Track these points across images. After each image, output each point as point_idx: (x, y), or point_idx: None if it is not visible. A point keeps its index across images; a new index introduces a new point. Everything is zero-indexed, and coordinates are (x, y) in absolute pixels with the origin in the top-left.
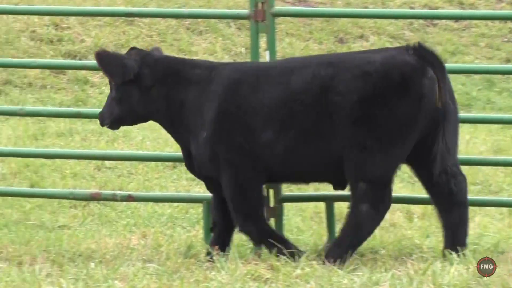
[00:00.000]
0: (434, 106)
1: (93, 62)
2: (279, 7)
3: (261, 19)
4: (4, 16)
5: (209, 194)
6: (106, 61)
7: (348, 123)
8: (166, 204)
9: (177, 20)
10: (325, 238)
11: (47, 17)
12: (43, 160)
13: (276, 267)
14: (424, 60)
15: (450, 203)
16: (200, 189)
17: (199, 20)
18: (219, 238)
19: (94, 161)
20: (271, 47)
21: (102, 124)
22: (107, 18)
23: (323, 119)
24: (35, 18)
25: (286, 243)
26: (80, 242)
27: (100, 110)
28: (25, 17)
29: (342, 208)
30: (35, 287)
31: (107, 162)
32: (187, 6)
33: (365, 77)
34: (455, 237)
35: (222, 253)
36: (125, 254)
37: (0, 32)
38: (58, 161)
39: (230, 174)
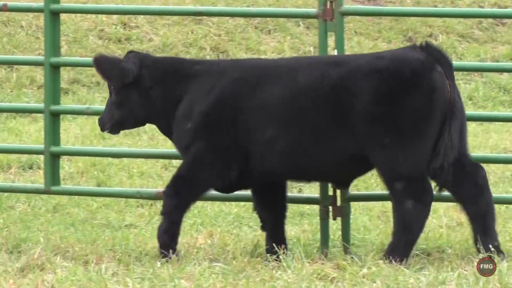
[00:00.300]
0: (447, 99)
1: None
2: (347, 6)
3: (329, 18)
4: (73, 15)
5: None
6: (104, 66)
7: (363, 122)
8: (233, 203)
9: (245, 19)
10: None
11: (115, 16)
12: (110, 159)
13: (343, 266)
14: (432, 56)
15: (474, 193)
16: None
17: (268, 19)
18: (273, 235)
19: (161, 160)
20: (340, 46)
21: (102, 129)
22: (175, 17)
23: (333, 119)
24: (103, 17)
25: (169, 245)
26: (147, 241)
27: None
28: (93, 16)
29: None
30: (101, 286)
31: (174, 161)
32: (255, 5)
33: (376, 74)
34: (487, 226)
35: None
36: (191, 253)
37: (68, 31)
38: (125, 160)
39: (191, 161)
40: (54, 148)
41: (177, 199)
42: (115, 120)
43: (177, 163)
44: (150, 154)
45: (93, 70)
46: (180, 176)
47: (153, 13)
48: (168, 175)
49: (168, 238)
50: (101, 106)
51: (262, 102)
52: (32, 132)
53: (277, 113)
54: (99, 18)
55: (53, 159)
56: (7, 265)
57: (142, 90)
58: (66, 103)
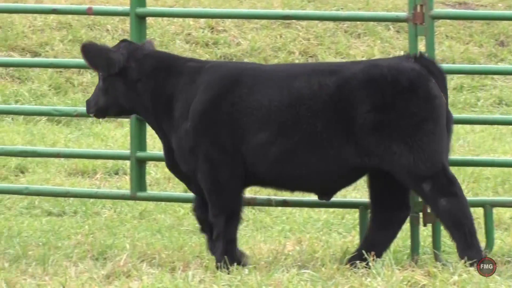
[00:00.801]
0: (445, 109)
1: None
2: (438, 9)
3: (420, 21)
4: (159, 19)
5: (365, 200)
6: (91, 54)
7: (365, 132)
8: (322, 209)
9: (335, 23)
10: (483, 244)
11: (202, 20)
12: None
13: (433, 274)
14: (426, 68)
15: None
16: (357, 194)
17: (357, 23)
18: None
19: None
20: (430, 50)
21: (88, 112)
22: (263, 21)
23: (335, 127)
24: (191, 21)
25: (230, 257)
26: None
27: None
28: (180, 19)
29: (500, 214)
30: None
31: None
32: (345, 8)
33: (373, 83)
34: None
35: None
36: (279, 260)
37: (155, 34)
38: None
39: (207, 168)
40: (140, 154)
41: (222, 212)
42: (99, 106)
43: None
44: None
45: None
46: (209, 190)
47: (241, 16)
48: None
49: (228, 260)
50: None
51: (255, 105)
52: (118, 138)
53: (270, 118)
54: (186, 22)
55: (139, 165)
56: (93, 272)
57: (128, 81)
58: None
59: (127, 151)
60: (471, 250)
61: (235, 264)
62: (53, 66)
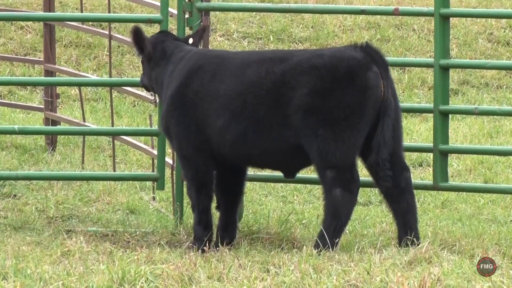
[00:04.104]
0: (380, 99)
1: None
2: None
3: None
4: (463, 19)
5: None
6: (138, 39)
7: (300, 115)
8: None
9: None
10: None
11: (504, 20)
12: (497, 157)
13: None
14: (370, 57)
15: (395, 193)
16: None
17: None
18: (223, 218)
19: None
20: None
21: (139, 85)
22: None
23: (275, 111)
24: (493, 21)
25: (205, 229)
26: None
27: None
28: (483, 20)
29: None
30: (485, 279)
31: None
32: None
33: (314, 70)
34: (406, 223)
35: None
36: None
37: (458, 34)
38: (511, 158)
39: (176, 145)
40: (443, 146)
41: (194, 186)
42: (144, 82)
43: None
44: None
45: (482, 72)
46: (181, 166)
47: None
48: None
49: (202, 230)
50: (489, 106)
51: (214, 92)
52: (422, 131)
53: (225, 105)
54: (489, 22)
55: (442, 157)
56: (396, 259)
57: (149, 68)
58: (456, 103)
59: (430, 144)
60: (323, 240)
61: (209, 232)
62: None
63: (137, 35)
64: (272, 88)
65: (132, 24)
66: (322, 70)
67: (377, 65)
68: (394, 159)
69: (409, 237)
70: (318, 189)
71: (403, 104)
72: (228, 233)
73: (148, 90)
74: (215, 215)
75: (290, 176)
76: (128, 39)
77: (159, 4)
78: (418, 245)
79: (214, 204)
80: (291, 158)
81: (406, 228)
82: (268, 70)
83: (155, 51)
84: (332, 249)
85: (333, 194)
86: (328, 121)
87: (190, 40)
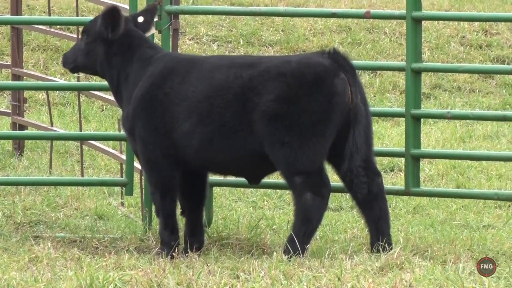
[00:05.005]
0: (347, 106)
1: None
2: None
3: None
4: (435, 22)
5: None
6: (113, 16)
7: (265, 121)
8: None
9: None
10: None
11: (476, 23)
12: (469, 161)
13: None
14: (337, 63)
15: (367, 199)
16: None
17: None
18: (190, 223)
19: None
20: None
21: (64, 65)
22: None
23: (241, 117)
24: (465, 24)
25: (172, 234)
26: (504, 241)
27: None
28: (455, 23)
29: None
30: (458, 285)
31: None
32: None
33: (281, 77)
34: (378, 230)
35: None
36: None
37: (430, 37)
38: (484, 162)
39: (141, 148)
40: (415, 151)
41: (158, 190)
42: (77, 64)
43: None
44: (509, 157)
45: (454, 76)
46: (144, 169)
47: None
48: None
49: (168, 234)
50: (461, 110)
51: (183, 95)
52: (394, 136)
53: (193, 108)
54: (461, 25)
55: (414, 162)
56: (367, 265)
57: (108, 52)
58: (428, 107)
59: (402, 149)
60: (294, 245)
61: (177, 237)
62: None
63: (118, 12)
64: (239, 93)
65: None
66: (289, 76)
67: (344, 71)
68: (366, 164)
69: (381, 243)
70: (288, 195)
71: (375, 108)
72: (196, 238)
73: (77, 70)
74: (181, 220)
75: (254, 182)
76: None
77: (127, 7)
78: (390, 251)
79: (178, 210)
80: (256, 165)
81: (379, 234)
82: (236, 74)
83: (125, 36)
84: (303, 255)
85: (303, 198)
86: (294, 128)
87: (140, 19)
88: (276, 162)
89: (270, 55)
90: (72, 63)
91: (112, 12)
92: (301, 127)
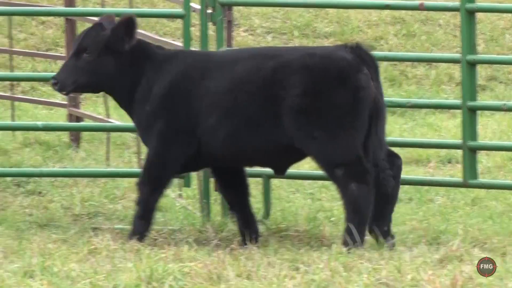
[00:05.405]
0: (372, 99)
1: None
2: None
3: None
4: (489, 14)
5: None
6: (130, 28)
7: (293, 116)
8: None
9: None
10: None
11: None
12: None
13: None
14: (360, 58)
15: (381, 194)
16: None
17: None
18: (243, 216)
19: None
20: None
21: (62, 89)
22: None
23: (266, 110)
24: None
25: (147, 225)
26: None
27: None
28: (510, 15)
29: None
30: None
31: None
32: None
33: (305, 70)
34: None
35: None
36: None
37: (485, 29)
38: None
39: (156, 144)
40: (471, 143)
41: (152, 184)
42: (79, 83)
43: None
44: None
45: (510, 68)
46: (149, 161)
47: None
48: None
49: (143, 225)
50: None
51: (205, 90)
52: (450, 128)
53: (217, 102)
54: None
55: (471, 154)
56: (427, 256)
57: (120, 63)
58: (484, 99)
59: (459, 141)
60: (351, 237)
61: (150, 228)
62: (387, 59)
63: (134, 21)
64: (263, 86)
65: (154, 20)
66: (313, 70)
67: (367, 66)
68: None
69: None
70: None
71: (431, 100)
72: (251, 229)
73: (75, 91)
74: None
75: (280, 173)
76: (151, 34)
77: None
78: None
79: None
80: (282, 156)
81: (381, 216)
82: (259, 66)
83: (132, 49)
84: (361, 244)
85: (349, 190)
86: (322, 122)
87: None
88: (312, 156)
89: (288, 46)
90: (72, 85)
91: (131, 22)
92: (328, 121)
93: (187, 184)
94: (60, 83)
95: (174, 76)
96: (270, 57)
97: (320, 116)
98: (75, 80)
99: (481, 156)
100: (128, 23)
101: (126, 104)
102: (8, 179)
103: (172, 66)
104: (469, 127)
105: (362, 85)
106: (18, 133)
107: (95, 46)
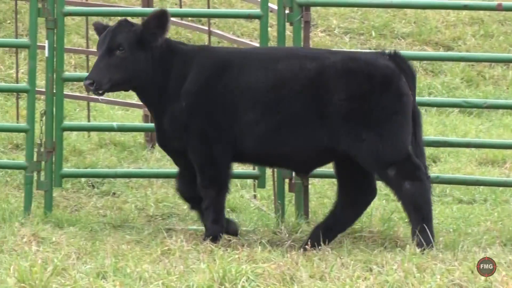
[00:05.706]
0: (412, 106)
1: None
2: None
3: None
4: None
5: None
6: (166, 19)
7: (340, 119)
8: None
9: None
10: None
11: None
12: None
13: None
14: (398, 66)
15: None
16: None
17: None
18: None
19: None
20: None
21: (98, 89)
22: None
23: (310, 109)
24: None
25: (221, 227)
26: None
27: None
28: None
29: None
30: None
31: None
32: None
33: (350, 74)
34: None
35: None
36: None
37: None
38: None
39: (199, 143)
40: None
41: (213, 185)
42: (115, 80)
43: None
44: None
45: None
46: (199, 164)
47: None
48: None
49: (219, 228)
50: None
51: (244, 86)
52: None
53: (257, 98)
54: None
55: None
56: (500, 258)
57: (152, 58)
58: None
59: None
60: (423, 234)
61: (224, 232)
62: (464, 60)
63: (167, 17)
64: (307, 86)
65: (231, 20)
66: (359, 75)
67: (405, 75)
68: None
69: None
70: None
71: (508, 101)
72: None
73: (111, 90)
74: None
75: (304, 174)
76: (229, 35)
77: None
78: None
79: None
80: (316, 157)
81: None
82: (302, 66)
83: (162, 44)
84: (433, 240)
85: (403, 189)
86: (370, 124)
87: None
88: (361, 159)
89: (321, 48)
90: (108, 83)
91: (163, 15)
92: (377, 122)
93: (262, 185)
94: (96, 83)
95: (209, 72)
96: (311, 58)
97: (368, 118)
98: (110, 78)
99: None
100: (160, 16)
101: (155, 101)
102: (83, 180)
103: (206, 61)
104: None
105: (404, 92)
106: (93, 134)
107: (128, 41)
